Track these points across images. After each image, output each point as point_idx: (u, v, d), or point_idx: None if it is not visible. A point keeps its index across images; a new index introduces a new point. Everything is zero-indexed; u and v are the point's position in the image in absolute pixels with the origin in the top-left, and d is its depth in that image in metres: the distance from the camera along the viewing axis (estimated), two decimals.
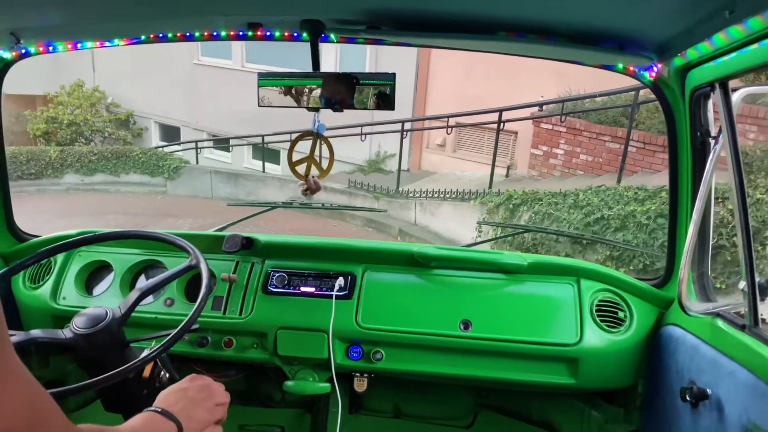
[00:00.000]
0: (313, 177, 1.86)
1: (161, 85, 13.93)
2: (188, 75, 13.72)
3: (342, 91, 1.76)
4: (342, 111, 1.78)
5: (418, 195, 8.83)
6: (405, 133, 9.93)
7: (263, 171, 11.98)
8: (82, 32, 1.87)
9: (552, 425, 2.21)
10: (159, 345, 1.56)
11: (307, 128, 1.88)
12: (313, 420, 2.37)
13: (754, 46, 1.19)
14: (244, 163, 13.46)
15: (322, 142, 1.87)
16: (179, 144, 13.81)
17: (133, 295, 1.67)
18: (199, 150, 13.00)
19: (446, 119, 9.07)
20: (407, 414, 2.35)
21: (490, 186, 8.47)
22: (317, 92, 1.78)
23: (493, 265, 1.97)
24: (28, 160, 12.29)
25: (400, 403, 2.35)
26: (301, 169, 1.87)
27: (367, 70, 10.27)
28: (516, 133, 10.15)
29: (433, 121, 10.44)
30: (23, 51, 1.90)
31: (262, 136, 11.21)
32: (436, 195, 8.53)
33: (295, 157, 1.87)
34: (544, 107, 8.60)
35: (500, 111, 8.39)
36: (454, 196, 8.31)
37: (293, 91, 1.84)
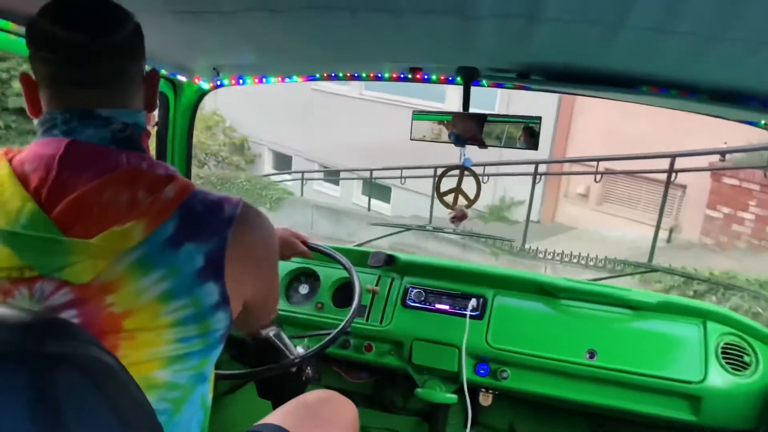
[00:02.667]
0: (460, 206, 2.06)
1: (278, 111, 13.51)
2: (305, 101, 13.16)
3: (471, 128, 1.93)
4: (482, 148, 1.95)
5: (549, 256, 6.84)
6: (539, 177, 7.93)
7: (368, 209, 10.93)
8: (269, 69, 2.19)
9: None
10: (320, 344, 1.80)
11: (453, 162, 2.07)
12: (431, 429, 2.54)
13: None
14: (352, 198, 12.75)
15: (469, 174, 2.06)
16: (285, 173, 13.37)
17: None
18: (305, 181, 12.26)
19: (594, 164, 7.33)
20: None
21: (652, 255, 6.39)
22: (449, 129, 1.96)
23: (621, 301, 2.08)
24: None
25: (516, 422, 2.48)
26: (449, 199, 2.07)
27: (497, 101, 9.98)
28: (684, 187, 8.24)
29: (575, 165, 8.83)
30: (219, 83, 2.26)
31: (371, 170, 9.84)
32: (574, 259, 6.46)
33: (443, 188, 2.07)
34: (727, 157, 6.61)
35: (672, 157, 6.24)
36: (600, 263, 6.32)
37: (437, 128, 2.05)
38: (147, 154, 1.04)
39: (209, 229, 0.99)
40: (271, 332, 1.87)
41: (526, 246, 7.49)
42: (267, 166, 14.99)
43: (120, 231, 0.92)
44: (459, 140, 1.96)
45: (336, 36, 1.62)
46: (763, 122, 1.74)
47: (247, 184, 12.02)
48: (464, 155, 2.07)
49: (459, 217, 2.07)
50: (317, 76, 2.21)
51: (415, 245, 7.79)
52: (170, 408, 0.99)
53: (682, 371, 1.93)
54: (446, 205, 2.08)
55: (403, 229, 2.88)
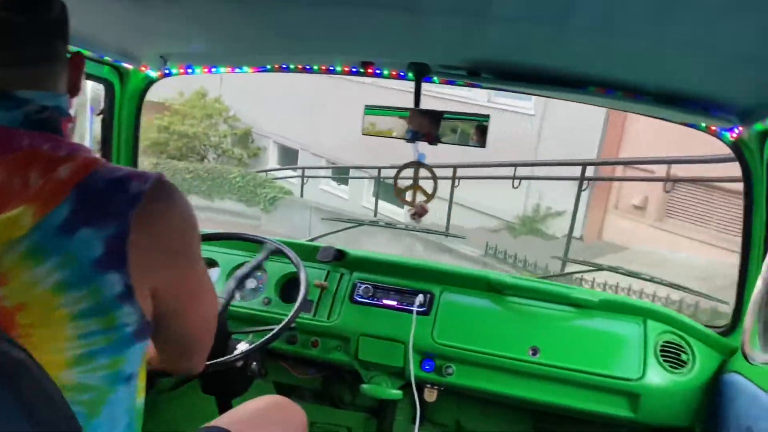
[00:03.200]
0: (419, 202, 2.05)
1: (284, 101, 12.07)
2: (316, 88, 11.67)
3: (427, 125, 1.93)
4: (432, 144, 1.96)
5: (598, 285, 5.34)
6: (586, 182, 6.13)
7: (375, 213, 8.79)
8: (219, 59, 2.15)
9: None
10: (263, 338, 1.78)
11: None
12: (379, 425, 2.54)
13: None
14: (362, 200, 11.13)
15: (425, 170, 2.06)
16: (284, 169, 11.67)
17: (231, 283, 1.90)
18: (305, 179, 10.25)
19: (655, 169, 5.69)
20: (467, 430, 2.50)
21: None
22: (404, 125, 1.95)
23: (564, 299, 2.11)
24: None
25: (462, 418, 2.50)
26: (407, 196, 2.06)
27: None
28: None
29: (630, 170, 7.09)
30: (167, 72, 2.20)
31: (378, 168, 8.15)
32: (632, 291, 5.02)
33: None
34: None
35: None
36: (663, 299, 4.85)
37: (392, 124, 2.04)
38: (61, 138, 0.96)
39: (109, 211, 0.89)
40: None
41: (566, 269, 6.02)
42: (271, 160, 13.71)
43: (8, 218, 0.85)
44: (415, 136, 1.95)
45: (287, 26, 1.60)
46: (704, 125, 1.79)
47: (240, 180, 10.86)
48: (418, 150, 2.08)
49: (419, 213, 2.08)
50: (268, 67, 2.17)
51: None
52: (84, 412, 0.92)
53: (622, 369, 1.98)
54: (406, 202, 2.08)
55: (356, 225, 2.86)
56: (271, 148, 13.77)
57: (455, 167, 6.68)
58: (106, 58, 2.03)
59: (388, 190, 8.93)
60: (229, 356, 1.73)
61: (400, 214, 9.68)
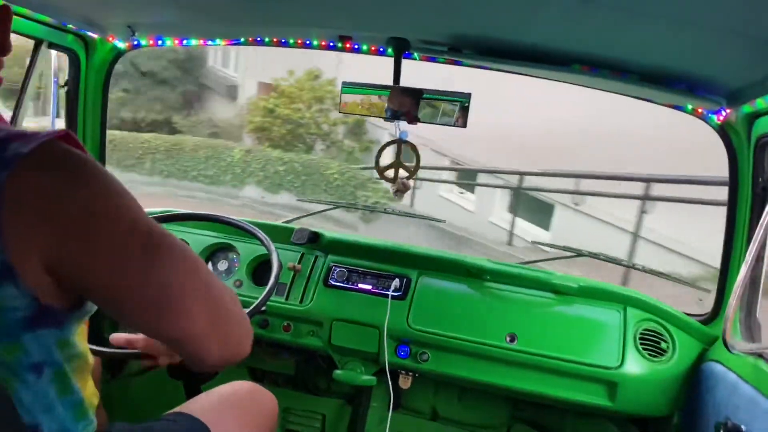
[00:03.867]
0: (401, 179, 1.99)
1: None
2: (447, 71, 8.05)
3: (407, 104, 1.88)
4: (412, 123, 1.90)
5: None
6: None
7: (509, 237, 6.96)
8: (190, 30, 2.06)
9: None
10: None
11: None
12: (354, 412, 2.49)
13: None
14: (490, 215, 8.53)
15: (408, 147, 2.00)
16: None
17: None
18: (418, 184, 8.11)
19: None
20: (444, 417, 2.45)
21: None
22: (384, 103, 1.89)
23: (543, 284, 2.06)
24: (208, 158, 10.08)
25: (438, 405, 2.45)
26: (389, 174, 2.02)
27: None
28: None
29: None
30: (135, 43, 2.11)
31: (521, 173, 6.61)
32: None
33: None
34: None
35: None
36: None
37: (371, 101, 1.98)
38: None
39: None
40: None
41: None
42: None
43: None
44: (394, 115, 1.89)
45: None
46: (690, 107, 1.73)
47: (338, 177, 9.11)
48: (399, 129, 2.02)
49: (401, 190, 2.03)
50: (242, 40, 2.09)
51: None
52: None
53: (600, 357, 1.93)
54: (387, 179, 2.03)
55: (332, 207, 2.79)
56: (385, 140, 12.14)
57: (572, 176, 5.24)
58: (70, 26, 1.93)
59: (529, 204, 7.35)
60: None
61: (545, 238, 7.69)
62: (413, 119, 1.88)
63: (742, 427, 1.52)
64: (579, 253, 2.26)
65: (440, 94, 1.85)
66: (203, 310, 0.93)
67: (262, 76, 11.97)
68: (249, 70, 14.11)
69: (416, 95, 1.85)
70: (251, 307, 1.70)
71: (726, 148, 1.75)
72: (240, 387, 1.58)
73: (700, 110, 1.72)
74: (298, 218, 2.68)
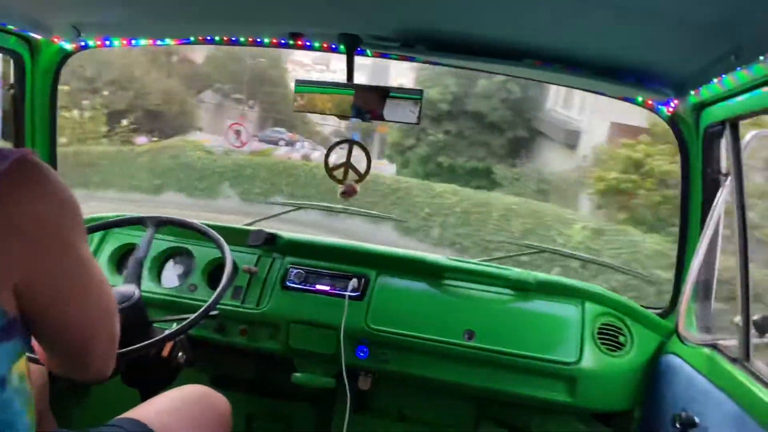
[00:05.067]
0: (349, 181, 1.96)
1: None
2: None
3: (373, 102, 1.85)
4: (370, 121, 1.88)
5: None
6: None
7: None
8: (138, 30, 2.01)
9: None
10: (176, 327, 1.67)
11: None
12: (319, 414, 2.45)
13: (764, 89, 1.25)
14: None
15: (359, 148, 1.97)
16: None
17: (131, 268, 1.78)
18: None
19: None
20: (410, 417, 2.42)
21: None
22: (349, 102, 1.87)
23: (501, 280, 2.04)
24: (526, 231, 7.07)
25: (404, 406, 2.42)
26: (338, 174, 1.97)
27: None
28: None
29: None
30: (83, 44, 2.05)
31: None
32: None
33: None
34: None
35: None
36: None
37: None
38: None
39: None
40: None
41: None
42: None
43: None
44: (359, 113, 1.85)
45: None
46: (640, 99, 1.73)
47: None
48: (352, 128, 1.99)
49: (348, 192, 1.99)
50: (192, 39, 2.04)
51: None
52: None
53: (558, 352, 1.92)
54: (336, 180, 1.99)
55: (295, 208, 2.75)
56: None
57: None
58: (11, 27, 1.87)
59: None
60: (136, 345, 1.61)
61: None
62: (378, 117, 1.84)
63: (696, 419, 1.52)
64: (541, 250, 2.25)
65: (401, 92, 1.82)
66: (106, 333, 1.05)
67: (619, 114, 8.37)
68: (598, 112, 10.60)
69: (383, 93, 1.82)
70: (199, 311, 1.66)
71: (676, 138, 1.76)
72: (191, 390, 1.57)
73: (649, 102, 1.72)
74: (258, 221, 2.62)
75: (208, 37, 2.03)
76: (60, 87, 2.20)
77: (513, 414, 2.33)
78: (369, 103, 1.85)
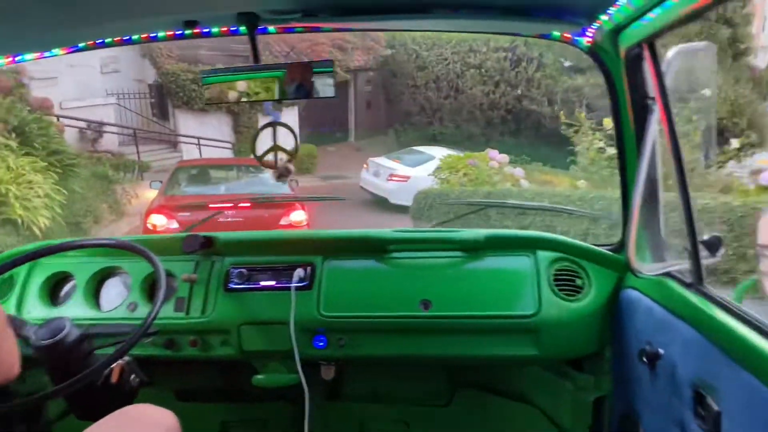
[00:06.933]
0: (282, 163, 1.85)
1: None
2: None
3: (307, 79, 1.72)
4: (310, 98, 1.74)
5: None
6: None
7: None
8: (18, 43, 1.85)
9: (526, 397, 2.22)
10: (115, 351, 1.56)
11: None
12: (293, 412, 2.38)
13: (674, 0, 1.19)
14: None
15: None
16: None
17: None
18: None
19: None
20: (385, 397, 2.37)
21: None
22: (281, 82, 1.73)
23: (450, 243, 1.98)
24: None
25: (377, 387, 2.37)
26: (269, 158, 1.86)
27: None
28: None
29: None
30: None
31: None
32: None
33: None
34: None
35: None
36: None
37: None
38: None
39: None
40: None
41: None
42: None
43: None
44: (298, 92, 1.69)
45: None
46: (557, 34, 1.66)
47: None
48: (271, 110, 1.88)
49: (284, 174, 1.88)
50: (81, 45, 1.89)
51: None
52: None
53: (517, 306, 1.87)
54: (268, 165, 1.88)
55: (233, 204, 2.64)
56: None
57: None
58: None
59: None
60: (70, 380, 1.50)
61: None
62: (311, 94, 1.71)
63: (660, 350, 1.48)
64: (486, 205, 2.19)
65: (319, 65, 1.71)
66: None
67: None
68: None
69: (308, 69, 1.68)
70: (134, 334, 1.55)
71: (600, 69, 1.69)
72: (130, 412, 1.55)
73: (567, 35, 1.65)
74: (195, 225, 2.51)
75: (99, 41, 1.88)
76: None
77: (487, 376, 2.29)
78: (304, 80, 1.70)
